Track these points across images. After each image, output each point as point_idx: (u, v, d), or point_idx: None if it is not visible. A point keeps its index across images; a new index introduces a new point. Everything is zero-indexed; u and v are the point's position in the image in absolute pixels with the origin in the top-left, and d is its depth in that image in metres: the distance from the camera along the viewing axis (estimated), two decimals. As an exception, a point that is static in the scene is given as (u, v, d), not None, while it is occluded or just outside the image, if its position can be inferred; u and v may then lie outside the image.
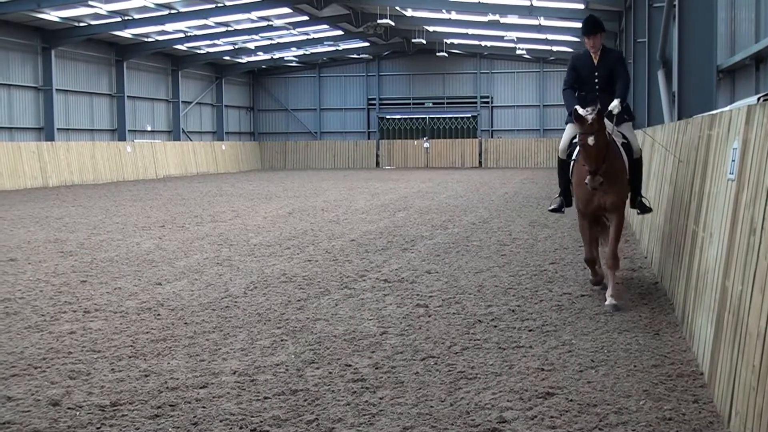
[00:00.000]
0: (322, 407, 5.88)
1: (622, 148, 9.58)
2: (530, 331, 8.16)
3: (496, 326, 8.40)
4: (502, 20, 43.81)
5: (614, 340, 7.70)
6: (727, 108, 8.50)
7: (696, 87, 14.31)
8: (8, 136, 38.87)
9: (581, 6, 36.29)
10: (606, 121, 9.32)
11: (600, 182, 8.88)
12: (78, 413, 5.83)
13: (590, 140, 8.86)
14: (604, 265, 10.06)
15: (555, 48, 52.00)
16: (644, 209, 10.24)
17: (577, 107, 9.22)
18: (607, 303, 9.11)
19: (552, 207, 10.57)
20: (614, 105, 9.57)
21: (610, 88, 9.89)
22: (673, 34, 16.40)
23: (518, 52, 55.07)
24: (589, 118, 8.91)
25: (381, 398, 6.07)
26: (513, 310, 9.14)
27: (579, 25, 41.86)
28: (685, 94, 14.52)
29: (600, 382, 6.35)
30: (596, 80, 10.00)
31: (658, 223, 11.45)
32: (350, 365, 6.96)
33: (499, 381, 6.45)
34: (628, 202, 10.22)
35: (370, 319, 8.76)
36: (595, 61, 10.00)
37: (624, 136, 9.83)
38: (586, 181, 9.00)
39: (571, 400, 5.94)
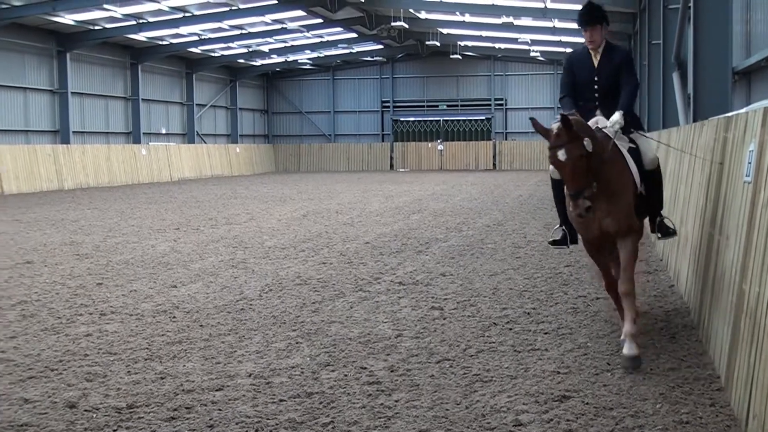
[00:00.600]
0: (338, 410, 5.89)
1: (629, 156, 7.64)
2: (546, 334, 8.15)
3: (511, 329, 8.38)
4: (516, 22, 43.81)
5: (630, 343, 7.67)
6: (743, 110, 8.48)
7: (711, 89, 14.26)
8: (24, 139, 39.06)
9: (595, 8, 36.19)
10: (606, 127, 7.60)
11: (587, 207, 6.86)
12: (95, 415, 5.86)
13: (560, 155, 6.87)
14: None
15: (569, 50, 51.84)
16: (667, 233, 8.23)
17: (535, 120, 7.36)
18: (624, 352, 6.90)
19: (553, 239, 8.46)
20: (614, 120, 7.64)
21: (613, 95, 7.97)
22: (688, 35, 16.37)
23: (532, 54, 55.01)
24: (554, 127, 6.94)
25: (396, 401, 6.07)
26: (528, 313, 9.13)
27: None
28: (701, 96, 14.47)
29: (616, 386, 6.34)
30: (596, 86, 8.03)
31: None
32: (365, 368, 6.96)
33: (514, 384, 6.44)
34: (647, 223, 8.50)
35: (385, 322, 8.76)
36: (596, 62, 8.01)
37: (632, 141, 7.93)
38: (570, 208, 7.23)
39: (587, 404, 5.93)
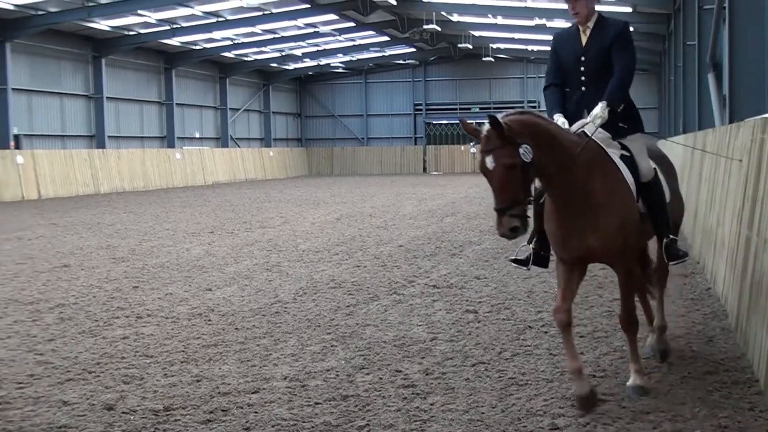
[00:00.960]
0: (373, 413, 5.90)
1: (622, 164, 6.32)
2: (581, 337, 8.10)
3: (546, 332, 8.35)
4: (549, 24, 43.61)
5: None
6: (781, 111, 8.39)
7: (747, 90, 14.11)
8: (61, 144, 39.47)
9: (629, 9, 35.98)
10: (588, 125, 6.31)
11: (513, 227, 5.59)
12: (132, 417, 5.92)
13: (488, 162, 5.61)
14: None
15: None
16: (676, 256, 6.77)
17: (465, 121, 5.88)
18: (629, 383, 6.29)
19: (514, 257, 6.99)
20: (594, 113, 6.32)
21: (604, 79, 6.51)
22: (724, 36, 16.21)
23: (565, 56, 54.65)
24: (484, 129, 5.64)
25: (432, 404, 6.06)
26: (563, 316, 9.07)
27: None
28: (736, 97, 14.33)
29: (653, 389, 6.28)
30: (582, 68, 6.61)
31: (711, 228, 11.31)
32: (400, 371, 6.97)
33: (550, 387, 6.42)
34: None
35: (420, 325, 8.76)
36: (584, 40, 6.61)
37: (625, 147, 6.54)
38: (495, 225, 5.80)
39: (623, 407, 5.89)
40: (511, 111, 5.91)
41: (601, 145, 6.27)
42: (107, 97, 42.11)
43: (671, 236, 6.75)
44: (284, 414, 5.90)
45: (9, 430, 5.71)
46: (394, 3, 39.60)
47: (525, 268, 6.94)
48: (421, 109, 63.09)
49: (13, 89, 35.73)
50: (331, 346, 7.92)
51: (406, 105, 63.60)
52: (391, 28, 47.46)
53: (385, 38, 51.86)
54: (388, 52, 57.84)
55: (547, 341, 7.95)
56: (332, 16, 43.47)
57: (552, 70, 6.84)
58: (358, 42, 53.06)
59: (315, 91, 65.38)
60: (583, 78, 6.59)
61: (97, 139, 41.68)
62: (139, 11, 37.21)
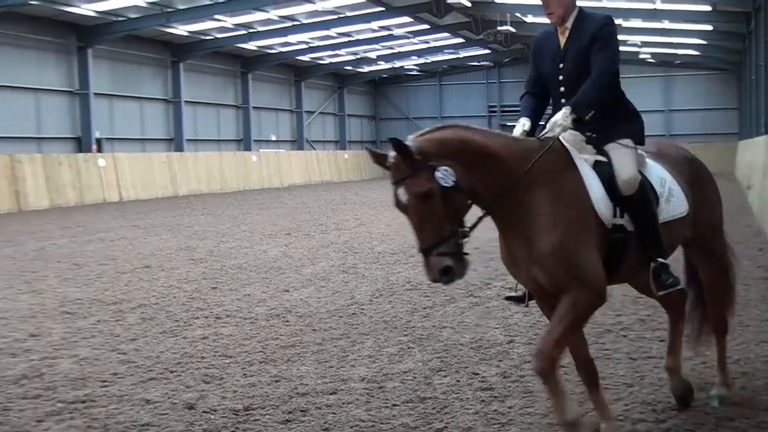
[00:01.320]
0: (451, 416, 5.89)
1: (591, 174, 5.14)
2: (661, 341, 7.96)
3: (625, 336, 8.23)
4: (625, 24, 43.03)
5: (751, 352, 7.46)
6: None
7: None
8: (140, 147, 40.24)
9: (708, 8, 35.32)
10: (557, 126, 5.22)
11: (444, 267, 4.64)
12: (213, 417, 6.00)
13: (401, 194, 4.74)
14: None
15: (681, 51, 50.67)
16: (665, 284, 5.27)
17: (372, 150, 4.95)
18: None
19: (510, 295, 5.76)
20: (554, 120, 5.26)
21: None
22: (809, 34, 15.83)
23: (642, 56, 53.86)
24: (391, 155, 4.73)
25: (510, 407, 6.03)
26: (643, 320, 8.94)
27: (707, 27, 40.82)
28: (823, 96, 13.98)
29: (737, 395, 6.16)
30: (560, 78, 5.55)
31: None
32: (478, 374, 6.94)
33: (631, 392, 6.33)
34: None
35: (497, 328, 8.71)
36: (562, 42, 5.60)
37: (602, 152, 5.35)
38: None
39: (707, 414, 5.78)
40: (430, 127, 4.94)
41: (570, 149, 5.21)
42: (185, 101, 42.84)
43: (660, 260, 5.30)
44: (362, 415, 5.93)
45: (94, 427, 5.85)
46: (469, 5, 39.54)
47: (523, 305, 5.67)
48: (495, 111, 62.79)
49: (95, 94, 36.60)
50: (408, 347, 7.93)
51: (480, 107, 63.36)
52: (466, 29, 47.37)
53: (460, 40, 51.75)
54: (462, 54, 57.71)
55: (626, 345, 7.84)
56: (406, 19, 43.56)
57: (530, 79, 5.80)
58: (432, 44, 53.08)
59: (389, 94, 65.60)
60: (562, 88, 5.53)
61: (175, 142, 42.44)
62: (216, 16, 37.75)
